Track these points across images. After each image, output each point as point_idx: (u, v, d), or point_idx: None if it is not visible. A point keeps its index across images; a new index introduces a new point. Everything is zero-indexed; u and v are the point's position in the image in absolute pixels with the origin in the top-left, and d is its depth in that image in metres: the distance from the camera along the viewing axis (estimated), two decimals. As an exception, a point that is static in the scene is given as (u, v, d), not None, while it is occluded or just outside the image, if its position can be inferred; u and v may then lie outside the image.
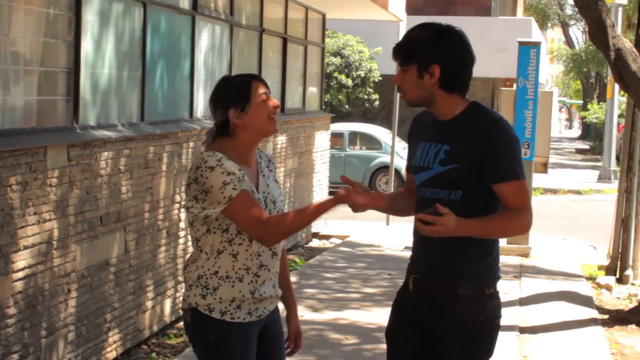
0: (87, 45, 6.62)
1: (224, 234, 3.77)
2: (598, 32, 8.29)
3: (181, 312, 8.34)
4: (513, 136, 3.71)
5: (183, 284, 8.32)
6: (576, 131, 67.00)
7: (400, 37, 3.96)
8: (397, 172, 18.55)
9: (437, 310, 3.81)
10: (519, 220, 3.70)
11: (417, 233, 3.86)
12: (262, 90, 3.85)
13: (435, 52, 3.71)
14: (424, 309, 3.85)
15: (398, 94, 3.89)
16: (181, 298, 8.29)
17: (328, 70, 24.34)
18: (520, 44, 12.48)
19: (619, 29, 22.32)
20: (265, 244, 3.77)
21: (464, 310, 3.76)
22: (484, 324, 3.79)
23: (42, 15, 6.23)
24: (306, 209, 3.76)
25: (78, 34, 6.44)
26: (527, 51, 12.33)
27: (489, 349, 3.84)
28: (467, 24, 26.43)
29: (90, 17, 6.67)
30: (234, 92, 3.82)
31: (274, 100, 3.87)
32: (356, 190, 3.69)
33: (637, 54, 8.51)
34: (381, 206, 3.90)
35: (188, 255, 3.91)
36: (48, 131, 6.13)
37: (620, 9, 24.29)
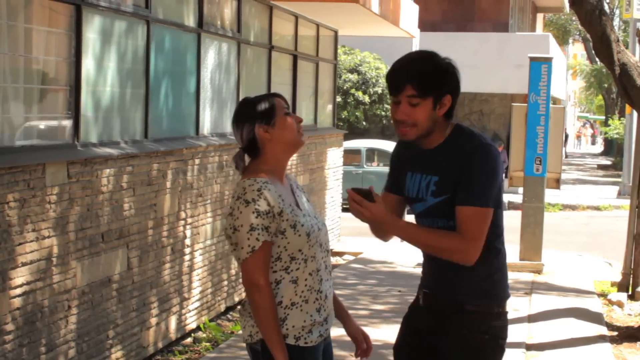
0: (88, 63, 6.67)
1: (277, 262, 3.73)
2: (602, 47, 8.26)
3: (194, 333, 8.36)
4: (494, 165, 3.63)
5: (189, 301, 8.35)
6: (599, 147, 66.63)
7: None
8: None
9: (443, 326, 3.79)
10: (457, 246, 3.60)
11: (425, 252, 3.86)
12: (284, 104, 3.86)
13: (448, 83, 3.64)
14: (431, 324, 3.83)
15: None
16: (188, 315, 8.33)
17: (345, 87, 24.37)
18: (532, 59, 12.44)
19: (637, 44, 22.21)
20: (246, 293, 3.75)
21: (469, 327, 3.72)
22: (488, 342, 3.74)
23: (42, 34, 6.28)
24: (274, 328, 3.69)
25: (79, 52, 6.48)
26: (539, 67, 12.29)
27: None
28: (484, 40, 26.50)
29: (91, 35, 6.72)
30: (258, 108, 3.81)
31: (297, 116, 3.88)
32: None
33: (643, 68, 8.47)
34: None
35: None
36: (48, 148, 6.16)
37: (639, 23, 24.21)
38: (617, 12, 43.75)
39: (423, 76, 3.58)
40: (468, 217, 3.59)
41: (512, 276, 11.85)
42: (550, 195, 21.16)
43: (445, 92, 3.62)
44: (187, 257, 8.31)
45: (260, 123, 3.77)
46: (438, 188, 3.67)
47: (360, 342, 4.04)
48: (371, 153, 21.60)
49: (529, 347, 8.20)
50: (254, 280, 3.66)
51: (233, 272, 9.55)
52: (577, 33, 50.63)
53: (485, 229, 3.62)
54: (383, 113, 25.01)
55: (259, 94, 3.99)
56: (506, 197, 21.16)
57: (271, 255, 3.70)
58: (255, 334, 3.77)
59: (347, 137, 17.34)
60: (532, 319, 9.42)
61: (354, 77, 24.60)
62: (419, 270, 4.01)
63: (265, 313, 3.65)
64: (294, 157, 11.68)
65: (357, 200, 3.55)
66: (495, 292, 3.76)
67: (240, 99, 7.81)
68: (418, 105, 3.58)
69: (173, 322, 8.08)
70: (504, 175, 3.82)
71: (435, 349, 3.82)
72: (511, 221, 14.23)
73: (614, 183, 31.11)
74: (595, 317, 9.60)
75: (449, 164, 3.65)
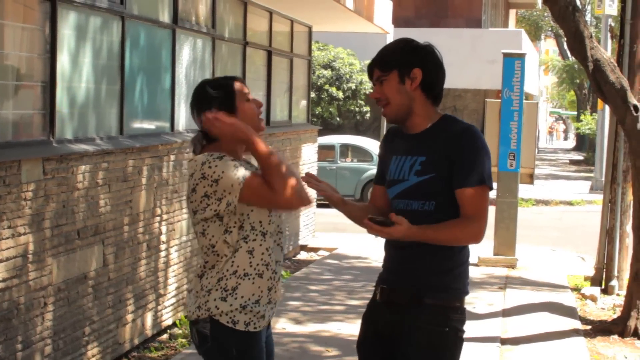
0: (63, 59, 6.64)
1: (240, 231, 3.71)
2: (576, 43, 8.30)
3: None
4: (484, 144, 3.76)
5: (165, 297, 8.34)
6: (571, 142, 67.00)
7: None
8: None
9: (402, 320, 3.82)
10: (470, 229, 3.72)
11: (387, 243, 3.91)
12: (245, 89, 3.83)
13: (414, 57, 3.78)
14: (389, 319, 3.86)
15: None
16: (164, 311, 8.32)
17: (319, 83, 24.38)
18: (505, 55, 12.51)
19: (608, 40, 22.36)
20: (294, 207, 3.73)
21: (428, 321, 3.77)
22: (448, 335, 3.79)
23: (17, 29, 6.24)
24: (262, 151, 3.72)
25: (54, 47, 6.45)
26: (512, 62, 12.35)
27: None
28: (457, 36, 26.59)
29: (66, 31, 6.69)
30: (218, 94, 3.77)
31: (257, 99, 3.86)
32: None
33: (615, 64, 8.52)
34: (335, 199, 3.96)
35: (200, 265, 3.84)
36: (23, 145, 6.13)
37: (610, 19, 24.36)
38: (588, 8, 44.00)
39: (383, 54, 3.84)
40: (467, 198, 3.70)
41: (486, 271, 11.94)
42: (524, 191, 21.27)
43: (411, 65, 3.77)
44: (162, 254, 8.29)
45: (221, 110, 3.74)
46: (423, 167, 3.76)
47: None
48: (345, 149, 21.64)
49: (504, 342, 8.25)
50: (274, 192, 3.64)
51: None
52: (549, 29, 50.89)
53: (486, 206, 3.75)
54: (357, 109, 25.05)
55: None
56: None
57: (236, 221, 3.69)
58: (204, 304, 3.73)
59: (321, 133, 17.35)
60: (506, 313, 9.48)
61: (327, 73, 24.62)
62: (392, 266, 4.05)
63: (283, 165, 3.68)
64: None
65: (376, 229, 3.66)
66: (455, 287, 3.81)
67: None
68: (385, 81, 3.79)
69: (149, 318, 8.07)
70: None
71: (395, 343, 3.86)
72: (485, 216, 14.31)
73: (586, 178, 31.31)
74: (569, 311, 9.67)
75: (436, 145, 3.76)
